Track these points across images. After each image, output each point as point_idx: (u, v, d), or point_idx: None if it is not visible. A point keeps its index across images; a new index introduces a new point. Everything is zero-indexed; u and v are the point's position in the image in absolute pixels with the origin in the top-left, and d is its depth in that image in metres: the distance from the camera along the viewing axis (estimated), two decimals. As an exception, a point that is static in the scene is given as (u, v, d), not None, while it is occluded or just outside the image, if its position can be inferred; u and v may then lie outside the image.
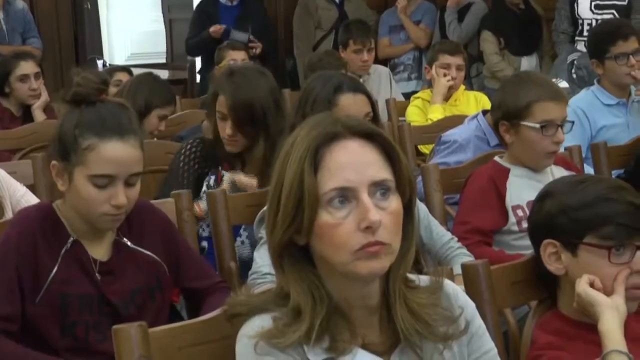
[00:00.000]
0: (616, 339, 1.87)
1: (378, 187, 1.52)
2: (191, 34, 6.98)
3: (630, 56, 4.04)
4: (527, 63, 6.39)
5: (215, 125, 3.17)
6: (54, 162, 2.27)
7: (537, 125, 2.96)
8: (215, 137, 3.17)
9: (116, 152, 2.20)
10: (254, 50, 6.58)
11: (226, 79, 3.14)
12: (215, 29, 6.65)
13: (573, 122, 3.20)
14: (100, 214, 2.23)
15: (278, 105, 3.14)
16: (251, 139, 3.08)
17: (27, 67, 4.73)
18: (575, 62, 5.65)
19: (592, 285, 1.94)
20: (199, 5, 7.25)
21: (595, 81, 4.22)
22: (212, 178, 3.17)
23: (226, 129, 3.07)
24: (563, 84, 5.12)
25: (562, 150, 3.39)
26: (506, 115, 3.05)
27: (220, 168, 3.18)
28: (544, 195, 2.08)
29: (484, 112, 3.77)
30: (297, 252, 1.56)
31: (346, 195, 1.51)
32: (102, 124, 2.21)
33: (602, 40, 4.18)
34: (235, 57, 5.27)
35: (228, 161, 3.19)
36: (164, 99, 4.20)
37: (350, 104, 2.86)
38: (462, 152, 3.71)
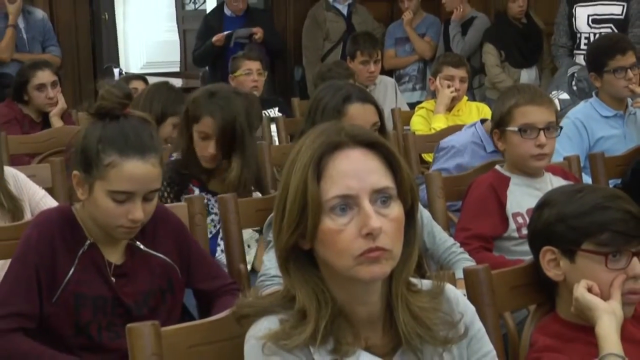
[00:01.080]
0: (613, 342, 1.87)
1: (379, 195, 1.52)
2: (197, 46, 7.00)
3: (628, 70, 4.04)
4: (527, 75, 6.39)
5: (188, 143, 3.19)
6: (75, 172, 2.26)
7: (516, 129, 2.99)
8: (189, 156, 3.20)
9: (136, 171, 2.19)
10: (257, 35, 6.67)
11: (209, 101, 3.15)
12: (217, 37, 6.67)
13: (561, 127, 3.20)
14: (116, 226, 2.23)
15: (251, 125, 3.22)
16: (228, 156, 3.12)
17: (44, 76, 4.74)
18: (575, 74, 5.64)
19: (590, 290, 1.94)
20: (205, 18, 7.28)
21: (593, 94, 4.22)
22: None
23: (209, 149, 3.10)
24: (564, 96, 5.14)
25: (561, 160, 3.41)
26: (496, 124, 3.10)
27: (190, 185, 3.20)
28: (543, 204, 2.08)
29: (482, 121, 3.80)
30: (302, 256, 1.56)
31: (348, 202, 1.51)
32: (125, 142, 2.19)
33: (601, 54, 4.18)
34: (251, 67, 5.25)
35: (197, 178, 3.23)
36: (179, 108, 4.21)
37: (359, 114, 2.86)
38: (460, 156, 3.72)
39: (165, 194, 3.14)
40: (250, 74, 5.21)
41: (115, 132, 2.21)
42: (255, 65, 5.28)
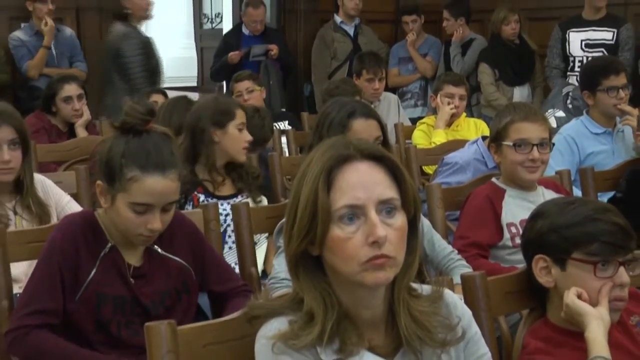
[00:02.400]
0: (601, 346, 1.86)
1: (385, 205, 1.52)
2: (215, 62, 7.02)
3: (620, 90, 4.05)
4: (519, 93, 6.38)
5: (206, 151, 3.32)
6: (99, 182, 2.27)
7: (511, 144, 2.99)
8: (201, 163, 3.33)
9: (156, 185, 2.19)
10: (273, 52, 6.71)
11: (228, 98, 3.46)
12: (233, 55, 6.69)
13: (554, 144, 3.21)
14: (136, 234, 2.24)
15: None
16: None
17: (71, 89, 4.75)
18: (570, 93, 5.66)
19: (579, 297, 1.94)
20: (224, 36, 7.29)
21: (584, 112, 4.22)
22: (191, 203, 3.23)
23: (247, 137, 3.39)
24: (560, 114, 5.15)
25: (553, 174, 3.40)
26: (492, 139, 3.10)
27: (195, 192, 3.25)
28: (536, 215, 2.08)
29: (484, 138, 3.78)
30: (311, 262, 1.56)
31: (356, 212, 1.51)
32: (146, 158, 2.19)
33: (596, 74, 4.18)
34: (240, 89, 5.25)
35: (202, 185, 3.30)
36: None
37: (362, 128, 2.85)
38: (462, 172, 3.71)
39: None
40: (240, 95, 5.20)
41: (138, 148, 2.21)
42: (242, 85, 5.27)
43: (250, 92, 5.23)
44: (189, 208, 3.14)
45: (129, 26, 6.04)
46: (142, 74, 5.87)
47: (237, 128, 3.37)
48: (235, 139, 3.37)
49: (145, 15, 6.15)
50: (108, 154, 2.23)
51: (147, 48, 6.04)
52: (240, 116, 3.41)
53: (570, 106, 5.56)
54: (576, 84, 5.57)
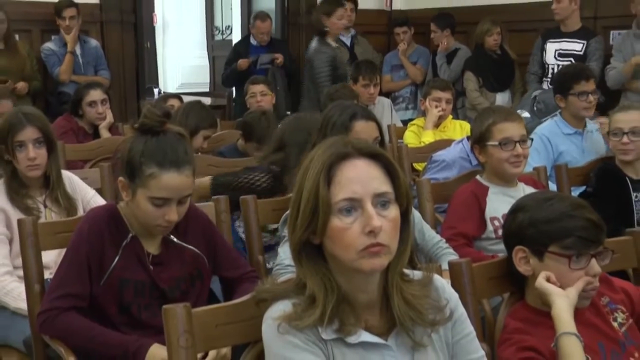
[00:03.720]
0: (566, 322, 1.86)
1: (380, 199, 1.51)
2: (224, 70, 7.01)
3: (589, 94, 4.05)
4: (501, 98, 6.36)
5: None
6: (121, 178, 2.27)
7: (497, 143, 2.99)
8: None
9: (173, 181, 2.19)
10: (278, 60, 6.73)
11: None
12: (242, 62, 6.69)
13: (532, 139, 3.24)
14: (155, 225, 2.24)
15: None
16: None
17: (95, 94, 4.75)
18: (537, 97, 5.67)
19: (548, 280, 1.94)
20: (234, 46, 7.29)
21: (557, 113, 4.22)
22: None
23: None
24: (525, 115, 5.15)
25: (531, 170, 3.40)
26: (476, 140, 3.09)
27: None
28: (517, 209, 2.06)
29: (468, 138, 3.76)
30: (312, 250, 1.55)
31: (353, 204, 1.50)
32: (163, 156, 2.19)
33: (568, 79, 4.18)
34: (254, 91, 5.24)
35: None
36: (209, 123, 4.25)
37: (363, 129, 2.85)
38: (449, 169, 3.73)
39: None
40: (254, 97, 5.21)
41: (155, 147, 2.20)
42: (257, 88, 5.26)
43: (264, 95, 5.22)
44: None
45: (324, 42, 6.22)
46: (328, 84, 5.86)
47: None
48: None
49: (339, 33, 6.36)
50: (129, 153, 2.23)
51: (334, 62, 6.14)
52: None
53: (535, 109, 5.57)
54: (547, 88, 5.58)
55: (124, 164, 2.25)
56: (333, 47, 6.29)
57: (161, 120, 2.23)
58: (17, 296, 2.67)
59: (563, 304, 1.88)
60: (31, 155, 2.87)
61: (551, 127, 4.12)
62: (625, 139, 3.41)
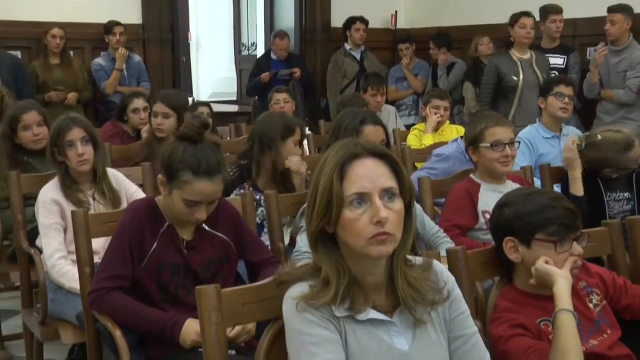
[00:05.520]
0: (565, 300, 1.85)
1: (386, 193, 1.50)
2: (250, 82, 7.02)
3: (566, 97, 4.03)
4: (496, 107, 6.36)
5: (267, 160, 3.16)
6: (160, 176, 2.27)
7: (489, 145, 2.98)
8: (256, 167, 3.18)
9: (205, 189, 2.19)
10: (297, 74, 6.71)
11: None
12: (264, 76, 6.69)
13: (520, 142, 3.25)
14: (186, 220, 2.25)
15: None
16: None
17: (139, 103, 4.76)
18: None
19: (547, 263, 1.93)
20: (257, 61, 7.29)
21: (537, 120, 4.20)
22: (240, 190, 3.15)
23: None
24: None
25: (518, 169, 3.38)
26: (470, 142, 3.07)
27: (246, 185, 3.17)
28: (503, 205, 2.05)
29: (462, 138, 3.79)
30: (327, 239, 1.55)
31: (363, 198, 1.49)
32: (199, 166, 2.18)
33: (551, 83, 4.20)
34: (279, 98, 5.23)
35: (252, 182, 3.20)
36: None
37: (372, 133, 2.84)
38: (447, 162, 3.82)
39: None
40: (278, 104, 5.21)
41: (192, 156, 2.19)
42: (281, 96, 5.24)
43: (286, 103, 5.21)
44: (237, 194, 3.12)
45: (504, 53, 5.49)
46: (489, 93, 5.46)
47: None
48: (291, 151, 3.22)
49: (525, 43, 5.44)
50: (169, 157, 2.23)
51: (499, 74, 5.41)
52: (298, 133, 3.25)
53: None
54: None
55: (164, 166, 2.25)
56: (508, 60, 5.42)
57: (199, 132, 2.23)
58: (71, 277, 2.69)
59: (565, 283, 1.87)
60: (80, 152, 2.90)
61: (532, 132, 4.10)
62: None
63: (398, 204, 1.51)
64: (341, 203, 1.49)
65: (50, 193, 2.89)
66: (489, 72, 5.49)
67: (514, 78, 5.32)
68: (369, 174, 1.51)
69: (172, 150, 2.24)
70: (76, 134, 2.92)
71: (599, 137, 3.32)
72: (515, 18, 5.43)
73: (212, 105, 5.39)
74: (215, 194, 2.24)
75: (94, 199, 2.97)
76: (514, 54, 5.41)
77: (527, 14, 5.43)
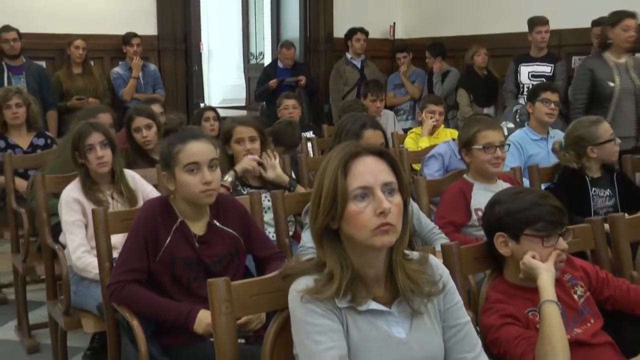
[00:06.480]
0: (549, 291, 1.85)
1: (387, 187, 1.50)
2: (257, 88, 7.02)
3: (552, 103, 4.05)
4: (487, 112, 6.32)
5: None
6: (163, 172, 2.31)
7: (481, 147, 2.98)
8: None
9: (195, 147, 2.25)
10: (302, 82, 6.71)
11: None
12: (272, 83, 6.69)
13: (510, 145, 3.26)
14: (198, 192, 2.25)
15: None
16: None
17: (155, 108, 4.74)
18: (518, 111, 5.66)
19: (533, 257, 1.93)
20: (264, 68, 7.29)
21: (526, 124, 4.20)
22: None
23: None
24: (510, 125, 5.12)
25: (508, 170, 3.38)
26: (463, 144, 3.07)
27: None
28: (494, 203, 2.05)
29: (453, 139, 3.90)
30: (331, 234, 1.54)
31: (366, 192, 1.49)
32: (182, 135, 2.29)
33: (538, 88, 4.21)
34: (287, 104, 5.24)
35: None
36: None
37: (371, 137, 2.84)
38: (440, 160, 3.93)
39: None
40: (287, 109, 5.20)
41: (176, 135, 2.32)
42: (290, 102, 5.26)
43: (295, 108, 5.23)
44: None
45: (597, 56, 4.76)
46: (583, 98, 4.73)
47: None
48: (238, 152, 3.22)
49: (626, 47, 4.64)
50: (161, 152, 2.32)
51: (594, 79, 4.67)
52: (237, 132, 3.23)
53: (518, 120, 5.56)
54: (523, 103, 5.54)
55: (161, 161, 2.32)
56: (608, 64, 4.69)
57: (180, 122, 2.30)
58: (94, 268, 2.69)
59: (548, 276, 1.87)
60: (99, 154, 2.92)
61: (521, 135, 4.12)
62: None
63: (397, 198, 1.51)
64: (345, 198, 1.48)
65: (72, 192, 2.89)
66: (583, 76, 4.72)
67: (611, 84, 4.61)
68: (371, 170, 1.51)
69: (161, 147, 2.33)
70: (95, 137, 2.93)
71: (569, 127, 3.43)
72: (618, 18, 4.59)
73: (222, 110, 5.40)
74: (208, 152, 2.27)
75: (112, 198, 2.97)
76: (610, 57, 4.66)
77: (632, 15, 4.59)
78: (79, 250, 2.77)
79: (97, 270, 2.57)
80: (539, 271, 1.88)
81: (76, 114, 3.86)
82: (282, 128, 4.16)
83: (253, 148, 3.10)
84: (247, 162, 3.17)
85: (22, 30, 5.65)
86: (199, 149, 2.25)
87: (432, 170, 3.90)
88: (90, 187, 2.93)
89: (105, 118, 3.77)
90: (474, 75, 6.36)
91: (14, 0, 6.00)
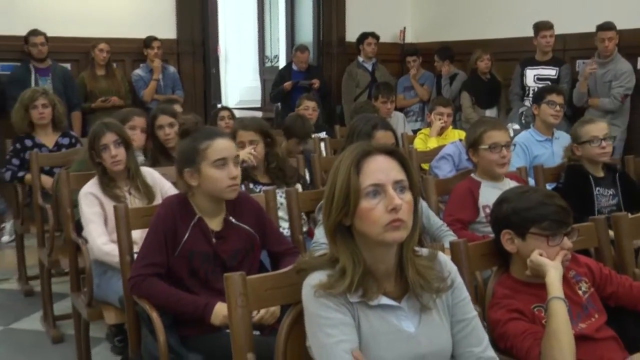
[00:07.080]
0: (557, 288, 1.83)
1: (398, 184, 1.49)
2: (272, 90, 7.01)
3: (557, 105, 4.02)
4: (489, 113, 6.29)
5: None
6: (184, 170, 2.28)
7: (487, 147, 2.96)
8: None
9: (223, 144, 2.26)
10: (315, 85, 6.70)
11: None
12: (287, 85, 6.69)
13: (515, 145, 3.25)
14: (225, 187, 2.25)
15: None
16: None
17: (163, 119, 4.62)
18: (524, 112, 5.62)
19: (540, 255, 1.91)
20: (279, 71, 7.28)
21: (531, 125, 4.17)
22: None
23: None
24: (516, 127, 5.09)
25: (514, 169, 3.36)
26: (470, 145, 3.06)
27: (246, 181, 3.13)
28: (502, 201, 2.04)
29: (460, 140, 3.90)
30: (344, 231, 1.53)
31: (378, 189, 1.48)
32: (207, 133, 2.30)
33: (544, 91, 4.18)
34: (308, 105, 5.25)
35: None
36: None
37: (383, 137, 2.82)
38: (451, 160, 3.92)
39: None
40: (307, 110, 5.20)
41: (199, 133, 2.31)
42: (311, 104, 5.27)
43: (314, 111, 5.24)
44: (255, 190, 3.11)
45: None
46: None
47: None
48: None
49: None
50: (182, 150, 2.30)
51: None
52: (239, 135, 3.19)
53: (523, 122, 5.54)
54: (529, 105, 5.51)
55: (182, 159, 2.29)
56: None
57: (196, 122, 2.28)
58: (115, 254, 2.68)
59: (556, 273, 1.86)
60: (113, 154, 2.93)
61: (527, 136, 4.09)
62: (603, 143, 3.28)
63: (408, 195, 1.50)
64: (358, 195, 1.48)
65: (90, 188, 2.91)
66: None
67: None
68: (382, 168, 1.50)
69: (182, 145, 2.31)
70: (109, 137, 2.94)
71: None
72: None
73: (239, 111, 5.40)
74: (233, 149, 2.29)
75: (130, 194, 2.98)
76: None
77: None
78: (100, 239, 2.78)
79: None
80: (547, 268, 1.87)
81: (112, 114, 3.87)
82: (292, 121, 4.17)
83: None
84: (243, 154, 3.14)
85: (49, 34, 5.69)
86: (226, 145, 2.27)
87: (445, 172, 3.86)
88: (107, 183, 2.94)
89: (140, 121, 3.76)
90: (477, 79, 6.32)
91: (42, 5, 6.03)
